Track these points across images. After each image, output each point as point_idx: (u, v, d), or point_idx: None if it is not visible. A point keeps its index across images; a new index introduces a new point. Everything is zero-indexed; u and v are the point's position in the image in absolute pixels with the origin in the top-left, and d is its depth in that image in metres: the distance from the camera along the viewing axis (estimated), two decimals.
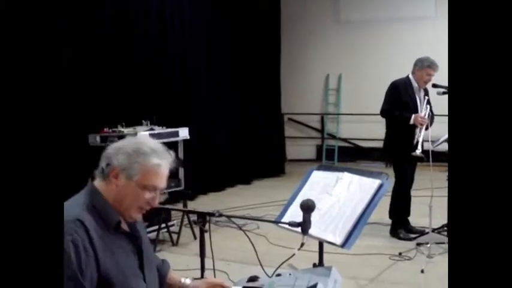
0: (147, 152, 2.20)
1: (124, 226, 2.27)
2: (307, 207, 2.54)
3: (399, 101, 6.14)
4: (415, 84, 6.17)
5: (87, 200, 2.18)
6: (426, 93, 6.25)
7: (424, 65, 6.10)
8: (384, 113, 6.31)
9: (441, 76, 6.04)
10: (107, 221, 2.18)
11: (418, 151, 5.88)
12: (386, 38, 11.66)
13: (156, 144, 2.28)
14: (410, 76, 6.22)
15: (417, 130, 5.98)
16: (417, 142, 5.94)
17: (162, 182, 2.24)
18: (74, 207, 2.12)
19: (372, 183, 3.02)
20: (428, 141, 5.77)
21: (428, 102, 6.15)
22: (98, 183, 2.23)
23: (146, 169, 2.18)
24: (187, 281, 2.58)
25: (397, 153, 6.19)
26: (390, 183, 3.47)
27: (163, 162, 2.22)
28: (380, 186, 3.00)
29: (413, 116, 6.00)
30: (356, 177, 3.13)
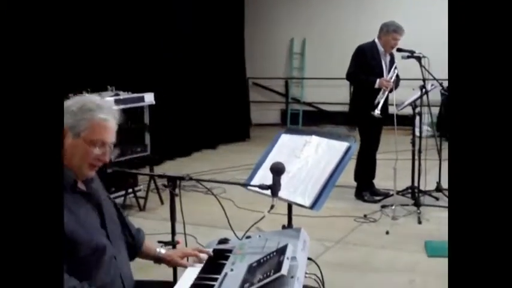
0: (92, 107, 2.21)
1: (81, 186, 2.27)
2: (277, 170, 2.55)
3: (365, 65, 6.16)
4: (381, 49, 6.19)
5: None
6: (392, 57, 6.28)
7: (390, 30, 6.12)
8: (349, 76, 6.33)
9: (406, 40, 6.11)
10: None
11: (377, 111, 5.94)
12: (352, 2, 11.63)
13: (101, 100, 2.30)
14: (377, 41, 6.24)
15: (381, 92, 6.03)
16: (378, 103, 5.99)
17: (109, 136, 2.25)
18: None
19: (340, 146, 3.04)
20: (393, 104, 5.83)
21: (395, 67, 6.19)
22: None
23: (92, 124, 2.20)
24: (162, 251, 2.62)
25: (362, 117, 6.22)
26: (357, 145, 3.51)
27: (109, 116, 2.24)
28: (348, 149, 3.02)
29: (378, 80, 6.04)
30: (324, 140, 3.14)
